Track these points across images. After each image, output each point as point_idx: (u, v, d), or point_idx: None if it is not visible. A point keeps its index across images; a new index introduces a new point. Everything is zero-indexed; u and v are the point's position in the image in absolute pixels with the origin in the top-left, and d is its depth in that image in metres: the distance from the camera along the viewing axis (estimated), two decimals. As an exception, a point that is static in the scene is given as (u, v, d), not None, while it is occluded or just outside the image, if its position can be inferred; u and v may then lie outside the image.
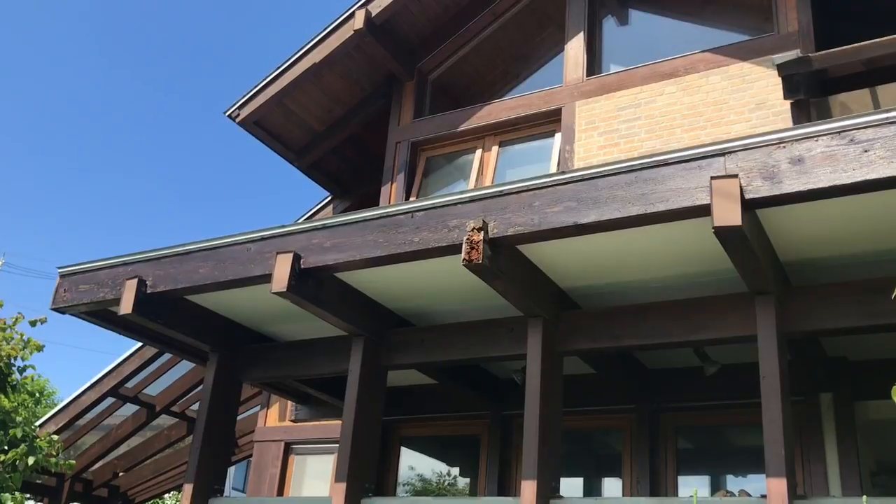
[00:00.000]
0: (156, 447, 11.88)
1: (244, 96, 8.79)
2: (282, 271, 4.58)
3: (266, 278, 4.69)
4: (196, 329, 5.67)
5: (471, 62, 9.06)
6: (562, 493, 4.60)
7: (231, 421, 6.17)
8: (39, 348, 6.69)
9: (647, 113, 7.29)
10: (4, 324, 6.64)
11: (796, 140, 3.61)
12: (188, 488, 5.51)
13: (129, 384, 10.63)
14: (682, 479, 6.31)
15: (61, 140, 72.60)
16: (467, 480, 7.65)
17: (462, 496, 7.50)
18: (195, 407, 10.48)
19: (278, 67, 8.67)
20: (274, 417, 9.17)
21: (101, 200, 76.60)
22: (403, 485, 7.59)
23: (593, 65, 8.03)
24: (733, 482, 6.37)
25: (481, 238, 4.02)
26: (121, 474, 12.32)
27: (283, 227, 4.86)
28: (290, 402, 8.63)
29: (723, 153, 3.74)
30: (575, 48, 8.07)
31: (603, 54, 8.21)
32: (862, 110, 5.45)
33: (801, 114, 6.40)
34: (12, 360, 6.58)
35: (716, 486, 6.32)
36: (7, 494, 6.09)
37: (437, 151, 8.71)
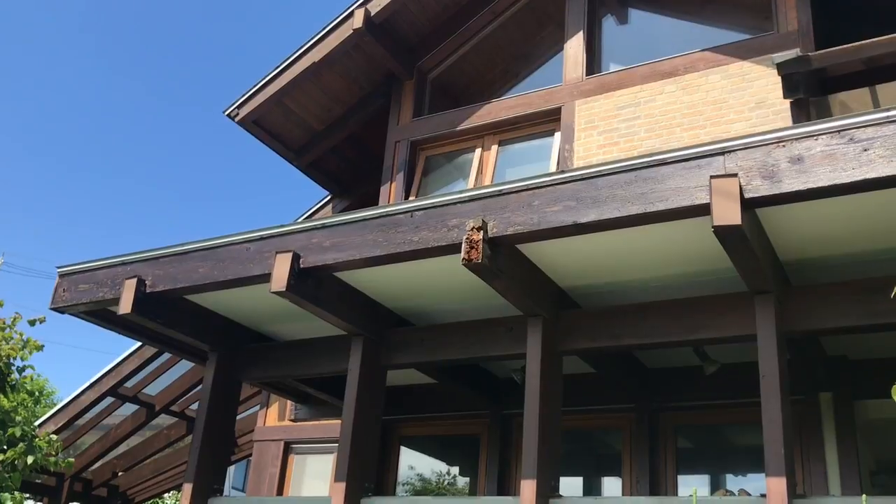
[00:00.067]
0: (155, 447, 11.88)
1: (243, 95, 8.79)
2: (281, 271, 4.57)
3: (265, 278, 4.69)
4: (195, 328, 5.67)
5: (470, 61, 9.06)
6: (561, 492, 4.59)
7: (231, 420, 6.17)
8: (39, 348, 6.68)
9: (647, 112, 7.28)
10: (3, 323, 6.63)
11: (796, 139, 3.60)
12: (188, 488, 5.51)
13: (129, 384, 10.64)
14: (681, 479, 6.31)
15: (61, 140, 72.64)
16: (467, 480, 7.65)
17: (462, 496, 7.50)
18: (195, 406, 10.47)
19: (277, 67, 8.66)
20: (273, 417, 9.18)
21: (101, 200, 76.66)
22: (403, 484, 7.59)
23: (593, 64, 8.03)
24: (733, 481, 6.37)
25: (481, 237, 4.02)
26: (120, 474, 12.33)
27: (283, 226, 4.86)
28: (289, 402, 8.63)
29: (722, 152, 3.73)
30: (574, 47, 8.07)
31: (602, 53, 8.21)
32: (862, 109, 5.45)
33: (801, 113, 6.40)
34: (11, 360, 6.57)
35: (715, 486, 6.32)
36: (6, 494, 6.08)
37: (436, 150, 8.71)
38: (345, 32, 8.37)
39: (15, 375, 6.62)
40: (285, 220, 5.15)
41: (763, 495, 3.88)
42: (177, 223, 75.36)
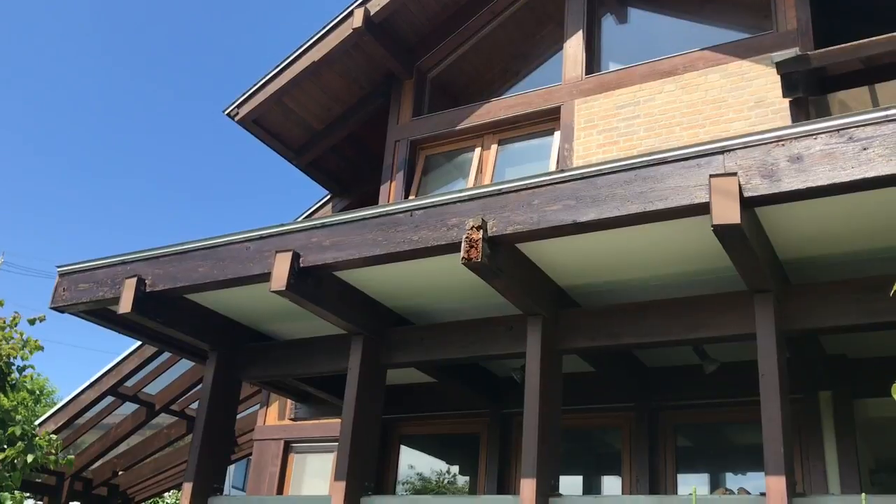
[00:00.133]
0: (155, 446, 11.88)
1: (243, 95, 8.80)
2: (281, 270, 4.58)
3: (265, 277, 4.70)
4: (195, 328, 5.67)
5: (470, 60, 9.06)
6: (561, 491, 4.60)
7: (230, 419, 6.17)
8: (39, 348, 6.67)
9: (647, 111, 7.28)
10: (3, 323, 6.62)
11: (795, 138, 3.61)
12: (188, 487, 5.51)
13: (129, 383, 10.63)
14: (681, 478, 6.31)
15: (61, 139, 72.63)
16: (467, 479, 7.65)
17: (462, 494, 7.51)
18: (195, 405, 10.49)
19: (277, 66, 8.66)
20: (273, 416, 9.18)
21: (101, 200, 76.64)
22: (403, 483, 7.59)
23: (592, 63, 8.03)
24: (732, 480, 6.38)
25: (480, 236, 4.02)
26: (120, 473, 12.32)
27: (282, 225, 4.86)
28: (289, 401, 8.64)
29: (722, 151, 3.74)
30: (574, 46, 8.07)
31: (602, 52, 8.21)
32: (861, 108, 5.45)
33: (800, 112, 6.40)
34: (12, 360, 6.57)
35: (715, 484, 6.33)
36: (6, 493, 6.08)
37: (436, 150, 8.71)
38: (344, 32, 8.38)
39: (15, 375, 6.62)
40: (285, 220, 5.16)
41: (762, 494, 3.88)
42: (177, 223, 75.40)
